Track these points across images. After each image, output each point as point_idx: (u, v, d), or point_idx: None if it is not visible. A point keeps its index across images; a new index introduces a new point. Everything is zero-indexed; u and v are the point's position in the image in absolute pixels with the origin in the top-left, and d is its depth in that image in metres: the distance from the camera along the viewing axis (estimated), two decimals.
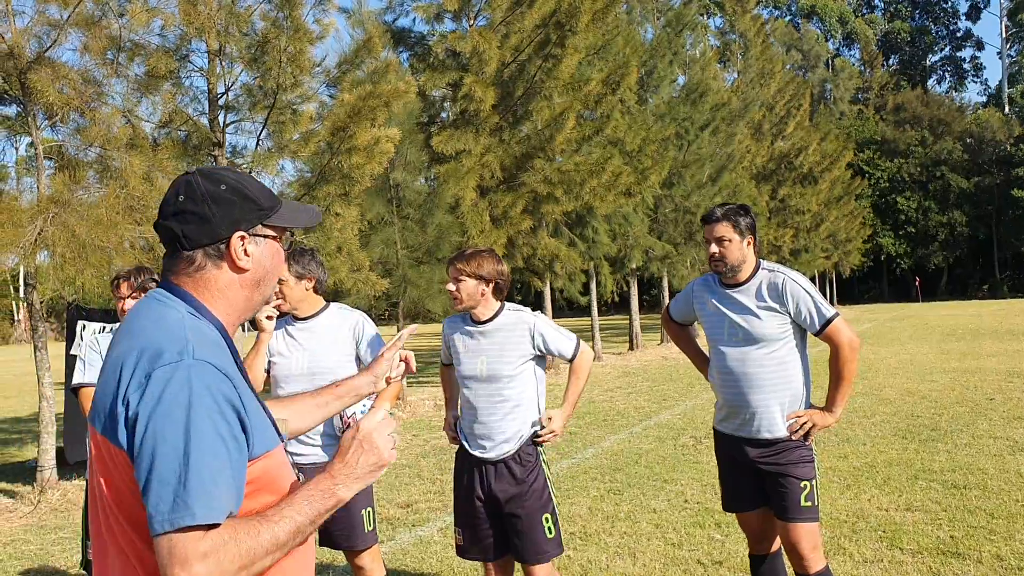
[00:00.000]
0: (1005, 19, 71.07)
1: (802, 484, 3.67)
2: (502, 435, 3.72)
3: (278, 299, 3.87)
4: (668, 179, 21.45)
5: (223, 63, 10.03)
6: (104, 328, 5.96)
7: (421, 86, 14.25)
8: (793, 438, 3.70)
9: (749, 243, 3.72)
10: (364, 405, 3.92)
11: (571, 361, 3.86)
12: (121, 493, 1.58)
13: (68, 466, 8.55)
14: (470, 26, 15.28)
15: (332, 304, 4.12)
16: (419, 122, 14.88)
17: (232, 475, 1.53)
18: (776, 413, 3.70)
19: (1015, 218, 53.06)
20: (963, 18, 76.79)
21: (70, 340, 7.88)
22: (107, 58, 8.84)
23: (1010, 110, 63.43)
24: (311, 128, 10.34)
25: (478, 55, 14.25)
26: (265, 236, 1.78)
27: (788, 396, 3.72)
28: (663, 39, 22.48)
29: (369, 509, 4.02)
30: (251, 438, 1.60)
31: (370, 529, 4.01)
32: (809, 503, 3.67)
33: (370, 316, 4.09)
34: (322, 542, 4.01)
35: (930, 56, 77.83)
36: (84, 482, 6.96)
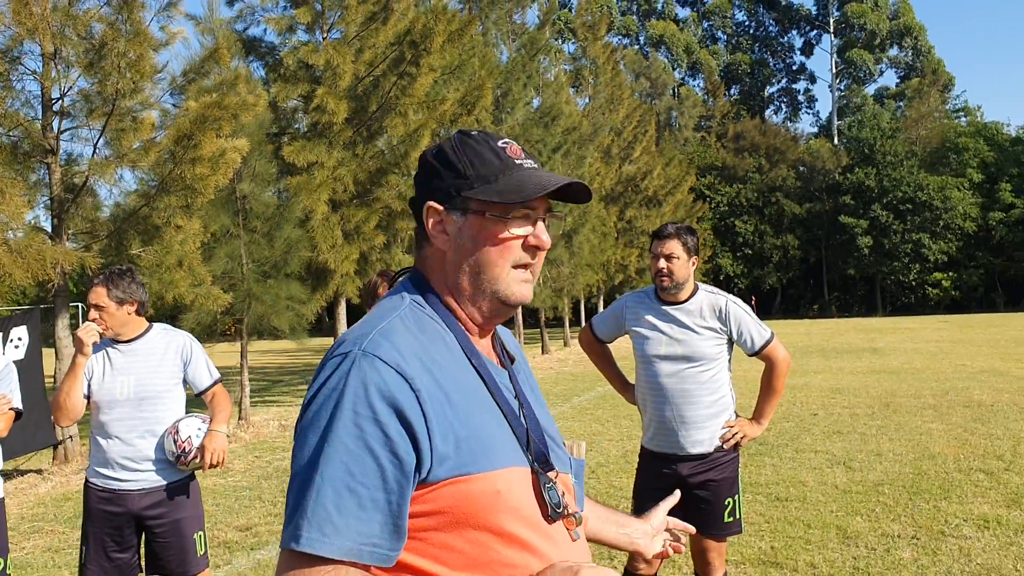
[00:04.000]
0: (835, 55, 76.19)
1: (726, 502, 3.86)
2: None
3: (100, 326, 3.70)
4: None
5: (58, 67, 9.54)
6: None
7: (273, 97, 13.98)
8: (725, 447, 3.87)
9: (694, 263, 3.84)
10: (199, 429, 3.83)
11: None
12: None
13: None
14: (324, 39, 15.12)
15: (155, 325, 3.95)
16: (269, 132, 14.57)
17: (371, 498, 1.23)
18: (709, 428, 3.84)
19: (842, 243, 56.73)
20: (798, 53, 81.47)
21: None
22: None
23: (839, 141, 67.85)
24: (153, 137, 9.96)
25: (332, 68, 14.10)
26: (465, 210, 1.40)
27: (719, 410, 3.88)
28: (518, 62, 22.88)
29: (201, 533, 3.94)
30: (436, 454, 1.27)
31: (202, 553, 3.94)
32: (731, 518, 3.89)
33: (213, 332, 3.98)
34: (152, 568, 3.89)
35: (768, 88, 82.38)
36: None
